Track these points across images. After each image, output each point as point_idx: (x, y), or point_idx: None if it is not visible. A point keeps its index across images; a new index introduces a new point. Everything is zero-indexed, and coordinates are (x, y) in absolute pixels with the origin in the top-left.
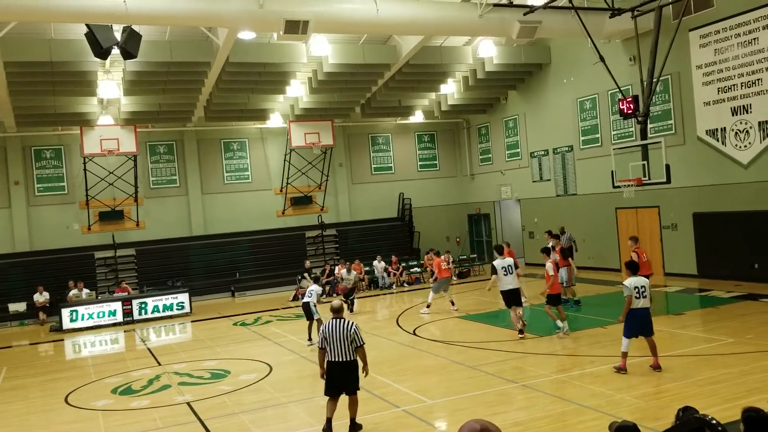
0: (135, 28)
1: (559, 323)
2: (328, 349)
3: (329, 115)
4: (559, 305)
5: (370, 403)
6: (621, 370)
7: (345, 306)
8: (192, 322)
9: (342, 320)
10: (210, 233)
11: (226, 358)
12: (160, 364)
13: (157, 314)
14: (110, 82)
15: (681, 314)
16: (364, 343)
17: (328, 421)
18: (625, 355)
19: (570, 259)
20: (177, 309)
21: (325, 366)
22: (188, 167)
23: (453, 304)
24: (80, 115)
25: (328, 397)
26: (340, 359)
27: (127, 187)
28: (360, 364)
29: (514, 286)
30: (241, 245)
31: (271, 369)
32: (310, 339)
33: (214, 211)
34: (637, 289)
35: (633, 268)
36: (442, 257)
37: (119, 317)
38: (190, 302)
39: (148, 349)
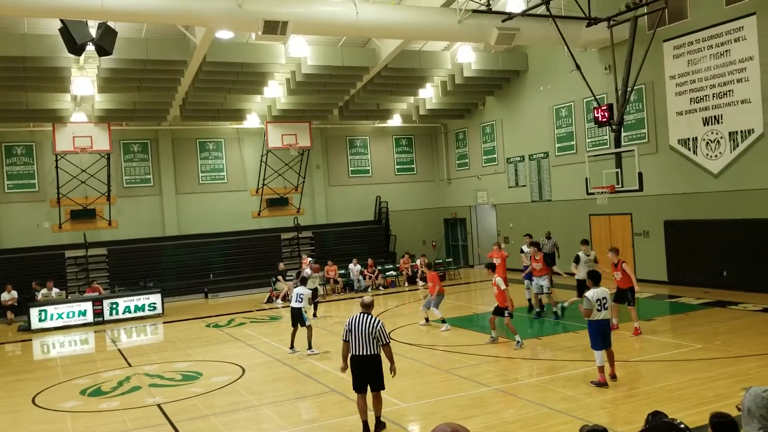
0: (111, 24)
1: (517, 337)
2: (352, 343)
3: (307, 116)
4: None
5: (344, 406)
6: (601, 384)
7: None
8: (164, 323)
9: (369, 316)
10: (184, 233)
11: (198, 360)
12: (130, 366)
13: (128, 315)
14: (84, 78)
15: (651, 320)
16: (389, 341)
17: (365, 424)
18: (602, 369)
19: (554, 266)
20: (149, 310)
21: (348, 360)
22: (163, 166)
23: (427, 321)
24: (53, 111)
25: (357, 395)
26: (362, 353)
27: (100, 186)
28: (386, 363)
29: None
30: (216, 246)
31: (243, 371)
32: (292, 347)
33: (189, 212)
34: (599, 301)
35: (595, 279)
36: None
37: (89, 317)
38: (163, 303)
39: (119, 350)
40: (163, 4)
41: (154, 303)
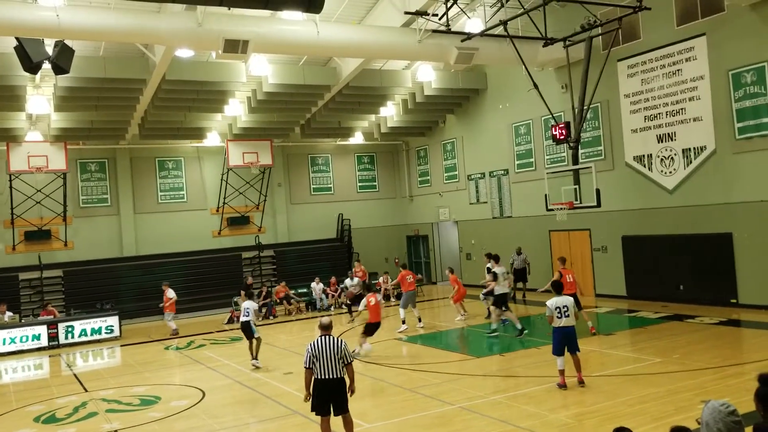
0: (68, 42)
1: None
2: (316, 368)
3: (268, 134)
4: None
5: (306, 428)
6: (562, 386)
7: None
8: (121, 346)
9: (331, 337)
10: (142, 254)
11: (157, 384)
12: (86, 391)
13: (84, 338)
14: (40, 97)
15: (611, 334)
16: (352, 361)
17: None
18: (562, 372)
19: (521, 282)
20: (106, 333)
21: (311, 387)
22: (120, 186)
23: (420, 320)
24: (7, 130)
25: (320, 418)
26: (329, 376)
27: (56, 206)
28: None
29: None
30: (175, 266)
31: (204, 395)
32: (255, 358)
33: (147, 232)
34: (558, 309)
35: (557, 288)
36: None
37: (44, 341)
38: (120, 325)
39: (74, 374)
40: (121, 22)
41: (111, 326)
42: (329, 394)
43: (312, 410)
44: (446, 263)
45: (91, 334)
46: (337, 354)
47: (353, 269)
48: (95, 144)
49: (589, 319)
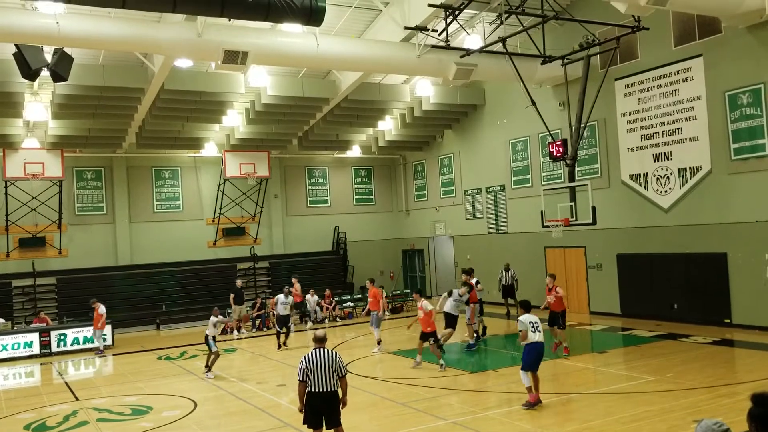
0: (67, 50)
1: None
2: (310, 380)
3: (266, 146)
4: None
5: None
6: (531, 405)
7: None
8: (114, 355)
9: (326, 350)
10: (136, 263)
11: (149, 394)
12: (77, 399)
13: (76, 347)
14: (38, 104)
15: (605, 352)
16: (346, 374)
17: None
18: (530, 389)
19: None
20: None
21: (304, 401)
22: (116, 194)
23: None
24: (4, 137)
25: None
26: (325, 389)
27: (51, 213)
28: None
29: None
30: (169, 276)
31: (195, 405)
32: (208, 369)
33: (142, 241)
34: (532, 324)
35: (525, 307)
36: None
37: (36, 349)
38: (113, 335)
39: (66, 383)
40: (121, 31)
41: (105, 334)
42: (322, 407)
43: (304, 423)
44: (441, 278)
45: (84, 343)
46: (332, 367)
47: (292, 285)
48: (92, 152)
49: (566, 339)
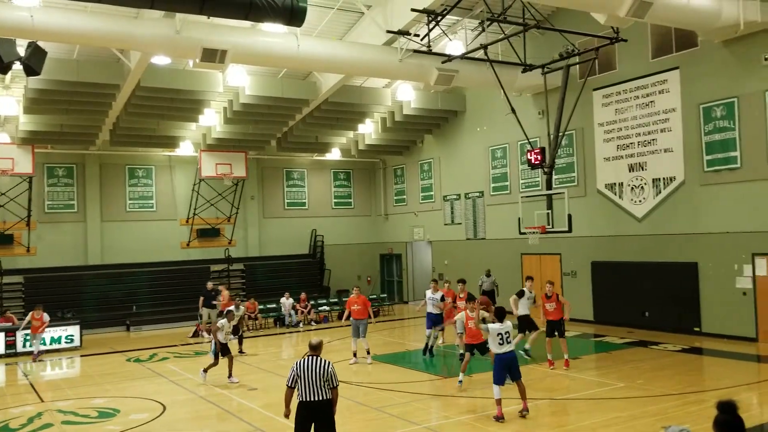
0: (41, 44)
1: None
2: (300, 389)
3: (243, 146)
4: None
5: None
6: (499, 418)
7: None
8: (81, 356)
9: (318, 358)
10: (107, 263)
11: (116, 396)
12: (42, 401)
13: (43, 347)
14: (9, 98)
15: (577, 358)
16: (338, 385)
17: None
18: (499, 402)
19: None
20: (66, 342)
21: (290, 406)
22: (88, 192)
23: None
24: None
25: None
26: (314, 399)
27: (20, 210)
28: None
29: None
30: (140, 277)
31: (164, 408)
32: (230, 376)
33: (114, 240)
34: (500, 335)
35: (499, 315)
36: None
37: (0, 349)
38: (81, 335)
39: (31, 384)
40: (97, 26)
41: (72, 335)
42: (311, 417)
43: None
44: (419, 283)
45: (51, 344)
46: (323, 376)
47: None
48: (64, 148)
49: (567, 351)
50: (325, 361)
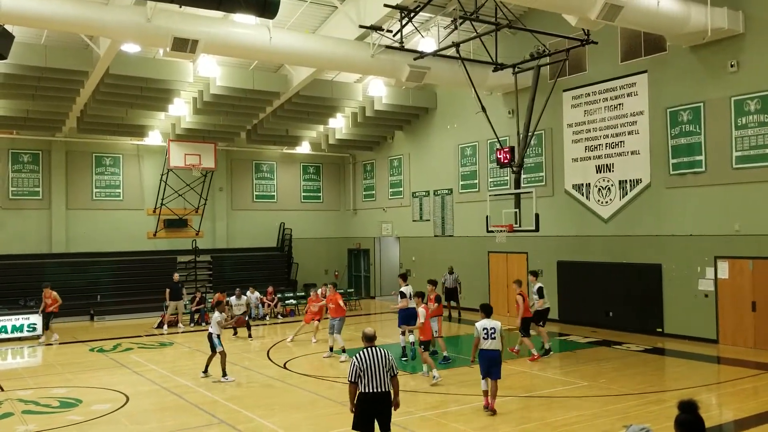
0: (8, 27)
1: (434, 372)
2: (363, 381)
3: (212, 137)
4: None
5: None
6: (486, 408)
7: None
8: (44, 345)
9: (377, 348)
10: (72, 251)
11: (79, 386)
12: (2, 390)
13: (4, 335)
14: None
15: (540, 358)
16: (397, 373)
17: None
18: (485, 393)
19: (452, 301)
20: (27, 330)
21: (354, 401)
22: (54, 179)
23: (331, 350)
24: None
25: None
26: (379, 390)
27: None
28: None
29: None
30: (105, 266)
31: (127, 399)
32: (205, 372)
33: (79, 228)
34: (485, 331)
35: (485, 311)
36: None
37: None
38: (43, 324)
39: None
40: (67, 11)
41: (34, 324)
42: (376, 409)
43: (354, 428)
44: (387, 278)
45: (12, 332)
46: (385, 366)
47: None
48: (30, 134)
49: (532, 346)
50: (384, 350)
